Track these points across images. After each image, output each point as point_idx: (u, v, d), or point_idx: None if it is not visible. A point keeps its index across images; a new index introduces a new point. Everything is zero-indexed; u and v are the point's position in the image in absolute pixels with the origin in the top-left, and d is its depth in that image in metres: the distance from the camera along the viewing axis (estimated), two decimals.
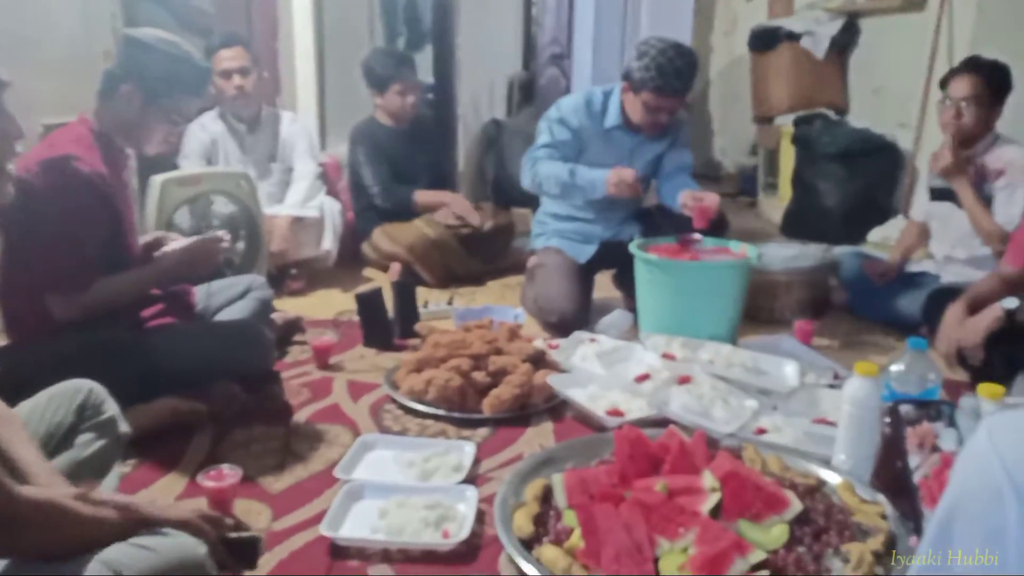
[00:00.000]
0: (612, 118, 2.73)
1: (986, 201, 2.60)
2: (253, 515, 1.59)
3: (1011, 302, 2.07)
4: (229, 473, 1.57)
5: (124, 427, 1.51)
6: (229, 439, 1.93)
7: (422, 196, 3.53)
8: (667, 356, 2.19)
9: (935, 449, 1.15)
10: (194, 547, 1.15)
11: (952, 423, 1.19)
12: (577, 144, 2.73)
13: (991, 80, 2.58)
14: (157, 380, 1.91)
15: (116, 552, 1.08)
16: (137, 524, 1.12)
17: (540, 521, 1.52)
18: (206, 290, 2.26)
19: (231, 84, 3.19)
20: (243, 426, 1.98)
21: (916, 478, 1.25)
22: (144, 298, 2.06)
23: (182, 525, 1.16)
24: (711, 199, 2.54)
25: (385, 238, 3.43)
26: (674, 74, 2.55)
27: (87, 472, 1.38)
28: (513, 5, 5.74)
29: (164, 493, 1.68)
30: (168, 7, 3.52)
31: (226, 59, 3.17)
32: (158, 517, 1.15)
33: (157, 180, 2.71)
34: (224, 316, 2.25)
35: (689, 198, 2.56)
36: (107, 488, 1.41)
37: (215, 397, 2.00)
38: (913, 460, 1.44)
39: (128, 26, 3.16)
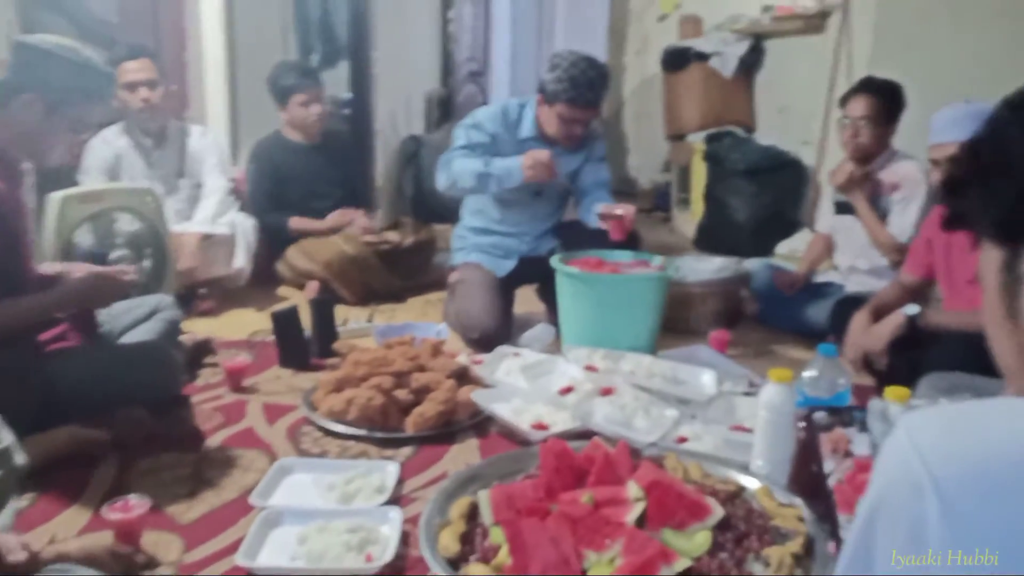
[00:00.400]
0: (527, 129, 2.75)
1: (884, 214, 2.74)
2: (163, 547, 1.51)
3: (912, 309, 2.17)
4: (136, 503, 1.49)
5: (20, 458, 1.41)
6: (135, 468, 1.83)
7: (298, 223, 3.43)
8: (590, 368, 2.21)
9: (848, 454, 1.18)
10: None
11: (864, 428, 1.23)
12: (493, 150, 2.74)
13: (885, 99, 2.72)
14: (56, 407, 1.80)
15: None
16: (36, 562, 1.05)
17: (467, 539, 1.49)
18: (108, 311, 2.15)
19: (137, 97, 3.06)
20: (150, 454, 1.89)
21: (831, 483, 1.28)
22: (43, 320, 1.94)
23: (88, 561, 1.08)
24: (627, 210, 2.58)
25: (300, 255, 3.35)
26: (587, 85, 2.59)
27: None
28: (430, 22, 5.73)
29: (66, 528, 1.57)
30: (69, 16, 3.37)
31: (131, 71, 3.05)
32: (60, 554, 1.08)
33: (56, 197, 2.58)
34: (129, 338, 2.14)
35: (606, 210, 2.60)
36: (1, 526, 1.31)
37: (119, 424, 1.90)
38: (827, 465, 1.48)
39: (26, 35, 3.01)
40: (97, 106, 1.93)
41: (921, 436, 0.59)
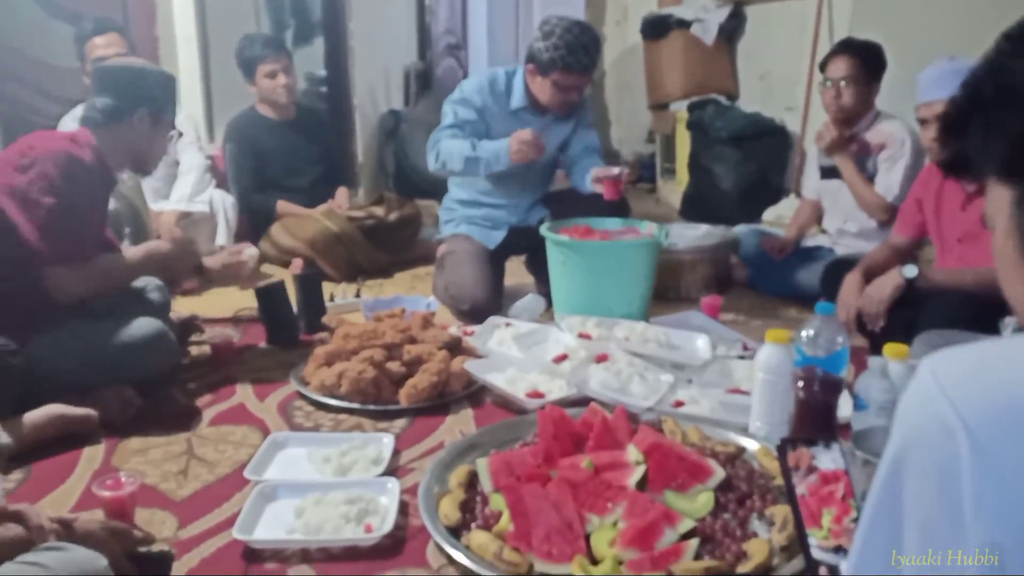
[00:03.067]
0: (518, 99, 2.70)
1: (871, 175, 2.73)
2: (156, 524, 1.47)
3: (911, 270, 2.16)
4: (128, 481, 1.44)
5: (4, 438, 1.37)
6: (124, 447, 1.79)
7: (284, 208, 3.37)
8: (583, 336, 2.19)
9: (812, 469, 1.16)
10: (92, 560, 1.05)
11: (828, 445, 1.21)
12: (482, 124, 2.69)
13: (865, 60, 2.70)
14: (45, 386, 1.76)
15: (5, 572, 0.97)
16: (28, 540, 1.02)
17: (467, 507, 1.48)
18: None
19: None
20: (139, 432, 1.85)
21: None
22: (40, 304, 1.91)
23: (83, 537, 1.05)
24: (621, 170, 2.57)
25: (284, 233, 3.29)
26: (583, 50, 2.55)
27: None
28: None
29: (56, 507, 1.53)
30: None
31: (100, 47, 2.96)
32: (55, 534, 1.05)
33: None
34: (118, 318, 2.09)
35: (600, 172, 2.58)
36: None
37: (107, 402, 1.85)
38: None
39: None
40: (174, 110, 2.17)
41: (947, 377, 0.57)
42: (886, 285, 2.16)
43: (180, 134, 2.27)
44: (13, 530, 1.03)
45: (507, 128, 2.67)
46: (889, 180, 2.68)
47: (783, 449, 1.15)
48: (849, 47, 2.74)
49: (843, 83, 2.69)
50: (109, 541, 1.10)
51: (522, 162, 2.56)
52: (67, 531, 1.09)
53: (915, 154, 2.65)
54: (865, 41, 2.74)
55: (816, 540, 1.04)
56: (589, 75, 2.66)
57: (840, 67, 2.70)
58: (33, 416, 1.72)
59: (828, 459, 1.10)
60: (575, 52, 2.54)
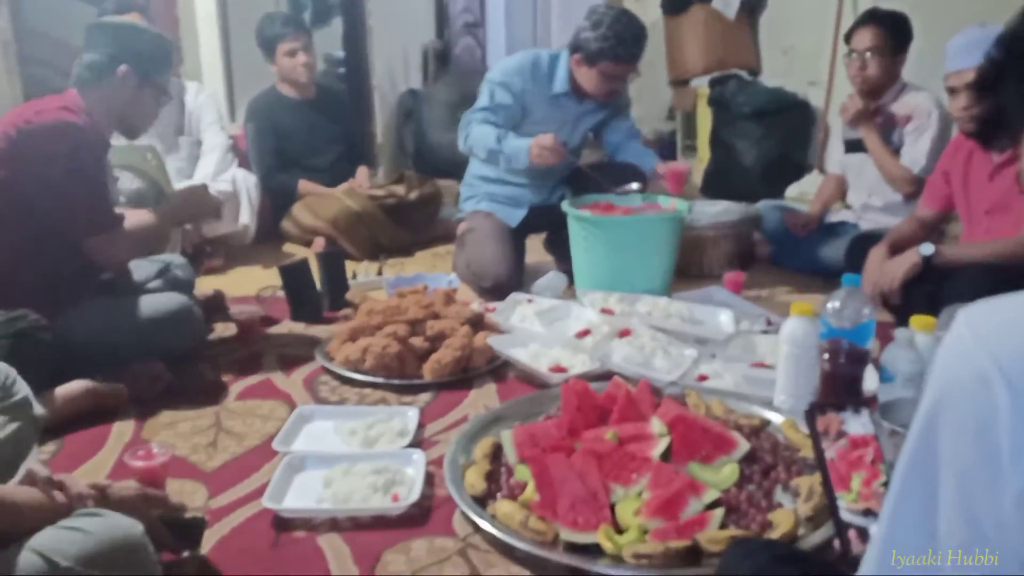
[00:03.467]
0: (560, 84, 2.69)
1: (896, 147, 2.69)
2: (187, 494, 1.50)
3: (927, 248, 2.14)
4: (159, 452, 1.47)
5: (39, 409, 1.40)
6: (154, 421, 1.82)
7: (306, 187, 3.38)
8: (605, 311, 2.19)
9: (841, 434, 1.16)
10: (130, 526, 1.07)
11: (857, 411, 1.20)
12: (518, 108, 2.68)
13: (891, 30, 2.66)
14: (75, 361, 1.79)
15: (47, 538, 1.00)
16: (68, 506, 1.04)
17: (492, 478, 1.49)
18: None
19: None
20: (169, 407, 1.88)
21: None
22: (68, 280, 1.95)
23: (119, 504, 1.08)
24: (685, 165, 2.65)
25: (306, 212, 3.31)
26: (632, 40, 2.56)
27: (1, 457, 1.27)
28: None
29: (89, 478, 1.56)
30: None
31: None
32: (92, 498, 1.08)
33: None
34: (145, 296, 2.12)
35: (663, 168, 2.67)
36: (22, 477, 1.30)
37: (136, 377, 1.88)
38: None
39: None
40: (171, 77, 2.13)
41: (984, 328, 0.57)
42: (902, 263, 2.15)
43: (171, 98, 2.21)
44: (59, 497, 1.06)
45: (545, 112, 2.68)
46: (915, 152, 2.64)
47: (812, 414, 1.15)
48: (874, 17, 2.70)
49: (868, 54, 2.65)
50: (144, 507, 1.12)
51: (542, 165, 2.58)
52: (103, 497, 1.11)
53: (942, 126, 2.61)
54: (891, 11, 2.70)
55: (845, 503, 1.04)
56: (635, 65, 2.66)
57: (865, 38, 2.66)
58: (65, 390, 1.76)
59: (858, 424, 1.10)
60: (624, 42, 2.54)
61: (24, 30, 3.22)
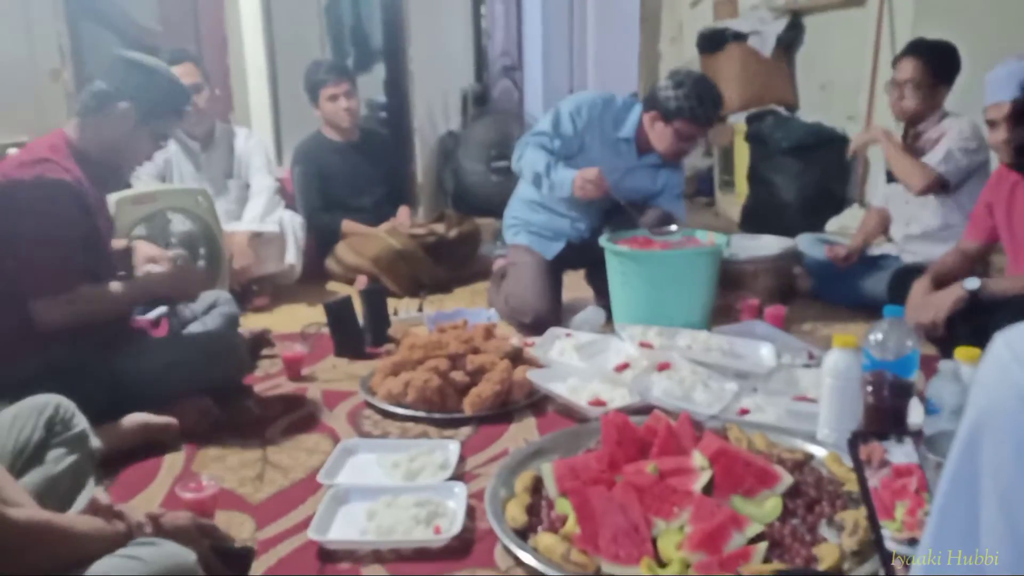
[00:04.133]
0: (626, 130, 2.73)
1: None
2: (236, 526, 1.54)
3: (972, 283, 2.11)
4: (208, 484, 1.52)
5: (96, 442, 1.45)
6: (203, 454, 1.87)
7: (349, 227, 3.47)
8: (644, 345, 2.19)
9: (884, 464, 1.15)
10: (183, 555, 1.11)
11: (901, 440, 1.19)
12: (578, 142, 2.72)
13: (933, 62, 2.65)
14: (127, 396, 1.85)
15: (107, 566, 1.05)
16: (127, 535, 1.09)
17: (533, 511, 1.50)
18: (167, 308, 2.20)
19: None
20: (217, 441, 1.92)
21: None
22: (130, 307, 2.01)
23: (174, 533, 1.11)
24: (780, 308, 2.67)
25: (349, 251, 3.39)
26: (711, 102, 2.62)
27: (60, 488, 1.33)
28: (463, 19, 5.76)
29: (141, 509, 1.61)
30: (113, 26, 3.44)
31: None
32: (150, 526, 1.12)
33: (111, 199, 2.63)
34: (191, 332, 2.19)
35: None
36: (79, 508, 1.35)
37: (186, 412, 1.94)
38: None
39: (74, 45, 3.10)
40: (178, 120, 2.08)
41: (1022, 348, 0.58)
42: (947, 297, 2.12)
43: (165, 146, 2.17)
44: (118, 526, 1.10)
45: (601, 153, 2.72)
46: (936, 152, 2.63)
47: (854, 443, 1.14)
48: (917, 49, 2.69)
49: (907, 86, 2.65)
50: (197, 536, 1.15)
51: (584, 198, 2.61)
52: (158, 526, 1.15)
53: (972, 142, 2.59)
54: (936, 42, 2.69)
55: (890, 532, 1.03)
56: (708, 128, 2.72)
57: (906, 69, 2.66)
58: (119, 424, 1.81)
59: (901, 453, 1.09)
60: (704, 103, 2.59)
61: (83, 80, 3.38)
